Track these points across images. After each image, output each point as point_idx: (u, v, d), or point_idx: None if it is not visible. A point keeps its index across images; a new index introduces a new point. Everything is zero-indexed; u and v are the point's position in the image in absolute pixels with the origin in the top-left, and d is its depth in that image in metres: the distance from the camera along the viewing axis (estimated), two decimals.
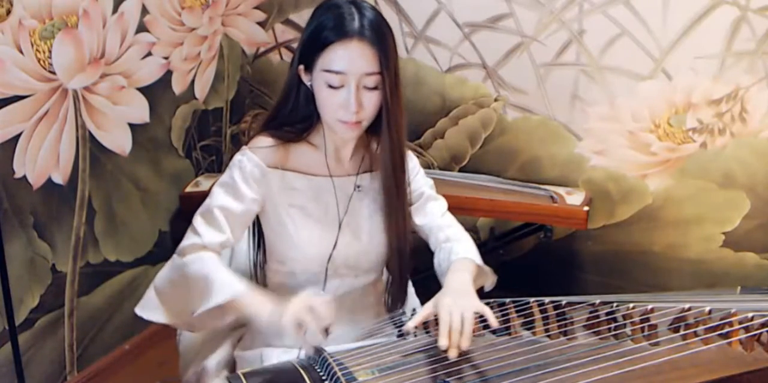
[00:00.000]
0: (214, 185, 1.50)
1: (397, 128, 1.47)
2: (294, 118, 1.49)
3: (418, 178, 1.61)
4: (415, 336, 1.39)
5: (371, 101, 1.41)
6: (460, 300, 1.35)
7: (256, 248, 1.60)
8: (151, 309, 1.46)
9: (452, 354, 1.27)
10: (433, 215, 1.62)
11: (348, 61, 1.37)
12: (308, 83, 1.45)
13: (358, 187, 1.54)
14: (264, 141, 1.49)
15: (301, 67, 1.44)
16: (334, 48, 1.37)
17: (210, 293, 1.37)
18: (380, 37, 1.39)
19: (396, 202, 1.53)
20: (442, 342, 1.28)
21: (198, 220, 1.47)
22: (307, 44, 1.42)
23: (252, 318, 1.38)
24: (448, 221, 1.63)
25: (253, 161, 1.47)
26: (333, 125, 1.44)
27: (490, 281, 1.58)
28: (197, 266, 1.41)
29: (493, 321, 1.33)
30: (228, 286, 1.37)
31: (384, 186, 1.53)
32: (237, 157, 1.49)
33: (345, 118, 1.41)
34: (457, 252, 1.53)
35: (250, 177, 1.47)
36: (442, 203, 1.65)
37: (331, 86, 1.39)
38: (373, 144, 1.57)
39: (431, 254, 1.61)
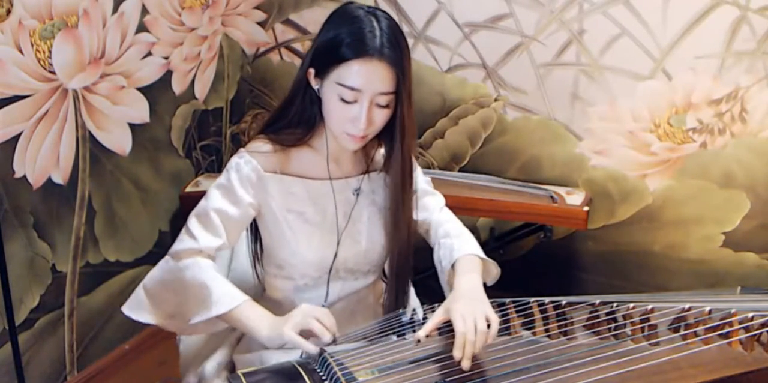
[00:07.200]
0: (210, 187, 1.48)
1: (409, 140, 1.46)
2: (297, 120, 1.47)
3: (416, 175, 1.60)
4: (419, 342, 1.36)
5: (380, 118, 1.40)
6: (472, 306, 1.33)
7: (254, 251, 1.59)
8: (139, 309, 1.45)
9: (465, 365, 1.25)
10: (430, 210, 1.61)
11: (365, 79, 1.35)
12: (316, 87, 1.42)
13: (357, 191, 1.53)
14: (263, 146, 1.47)
15: (311, 70, 1.42)
16: (351, 64, 1.35)
17: (208, 302, 1.37)
18: (399, 55, 1.36)
19: (402, 208, 1.52)
20: (457, 354, 1.26)
21: (193, 222, 1.45)
22: (323, 52, 1.39)
23: (250, 332, 1.37)
24: (447, 216, 1.62)
25: (250, 164, 1.45)
26: (338, 135, 1.43)
27: (494, 273, 1.57)
28: (194, 273, 1.40)
29: (494, 333, 1.31)
30: (228, 297, 1.37)
31: (392, 192, 1.51)
32: (234, 159, 1.47)
33: (352, 132, 1.40)
34: (459, 249, 1.51)
35: (246, 181, 1.45)
36: (440, 199, 1.65)
37: (343, 100, 1.37)
38: (372, 146, 1.56)
39: (430, 251, 1.59)
